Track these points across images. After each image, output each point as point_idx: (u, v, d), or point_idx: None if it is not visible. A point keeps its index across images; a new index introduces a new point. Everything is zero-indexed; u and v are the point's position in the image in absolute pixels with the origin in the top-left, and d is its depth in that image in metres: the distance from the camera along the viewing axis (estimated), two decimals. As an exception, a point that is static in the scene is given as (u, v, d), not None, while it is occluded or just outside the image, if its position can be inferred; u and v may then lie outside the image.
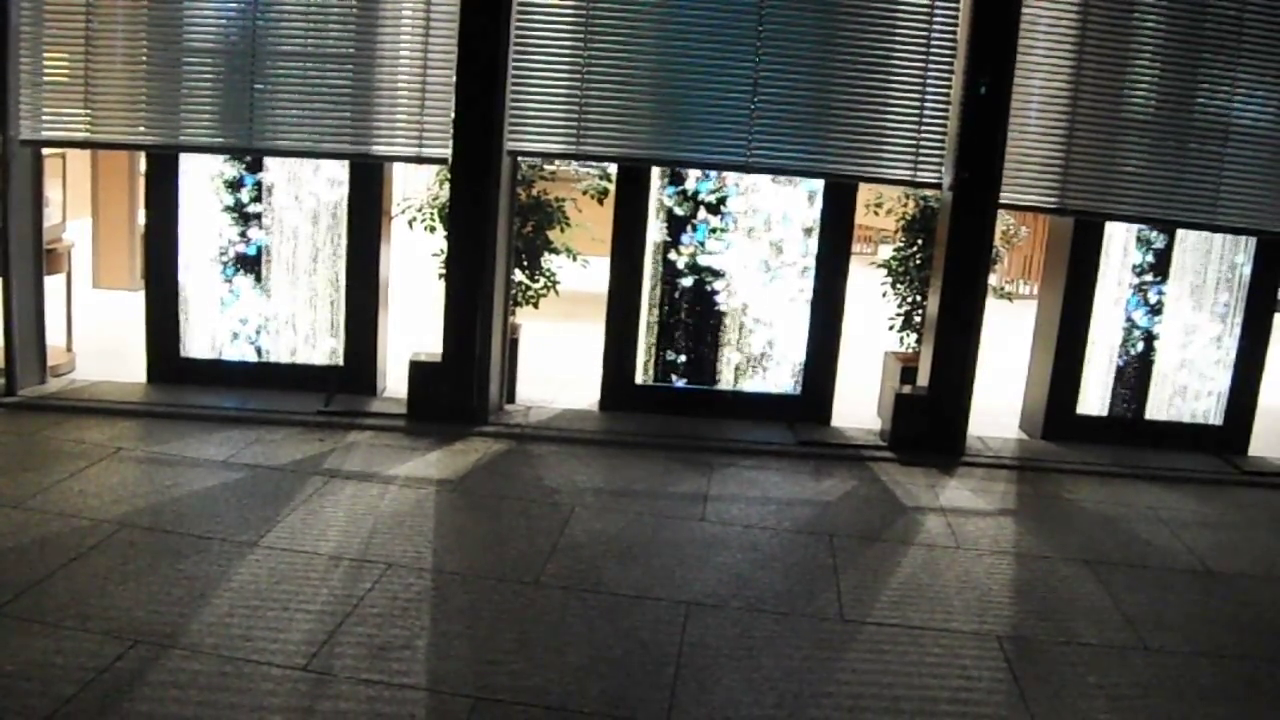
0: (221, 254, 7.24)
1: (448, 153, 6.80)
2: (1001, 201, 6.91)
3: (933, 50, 6.84)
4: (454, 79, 6.68)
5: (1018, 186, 6.96)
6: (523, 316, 7.73)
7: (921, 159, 6.96)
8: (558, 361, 8.64)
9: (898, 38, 6.85)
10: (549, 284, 7.72)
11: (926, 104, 6.90)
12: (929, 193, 7.38)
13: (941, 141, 6.91)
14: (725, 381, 7.51)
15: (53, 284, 7.32)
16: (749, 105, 6.83)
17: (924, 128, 6.92)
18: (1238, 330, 7.47)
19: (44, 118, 6.81)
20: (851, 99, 6.88)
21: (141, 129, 6.92)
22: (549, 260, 7.74)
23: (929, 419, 7.03)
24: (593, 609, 4.52)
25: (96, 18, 6.71)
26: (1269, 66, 6.96)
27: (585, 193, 7.79)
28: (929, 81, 6.87)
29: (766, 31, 6.77)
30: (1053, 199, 7.05)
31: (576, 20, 6.78)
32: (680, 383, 7.50)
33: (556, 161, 7.66)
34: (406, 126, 6.89)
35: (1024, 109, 6.89)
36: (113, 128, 6.92)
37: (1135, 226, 7.23)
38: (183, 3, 6.81)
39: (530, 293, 7.66)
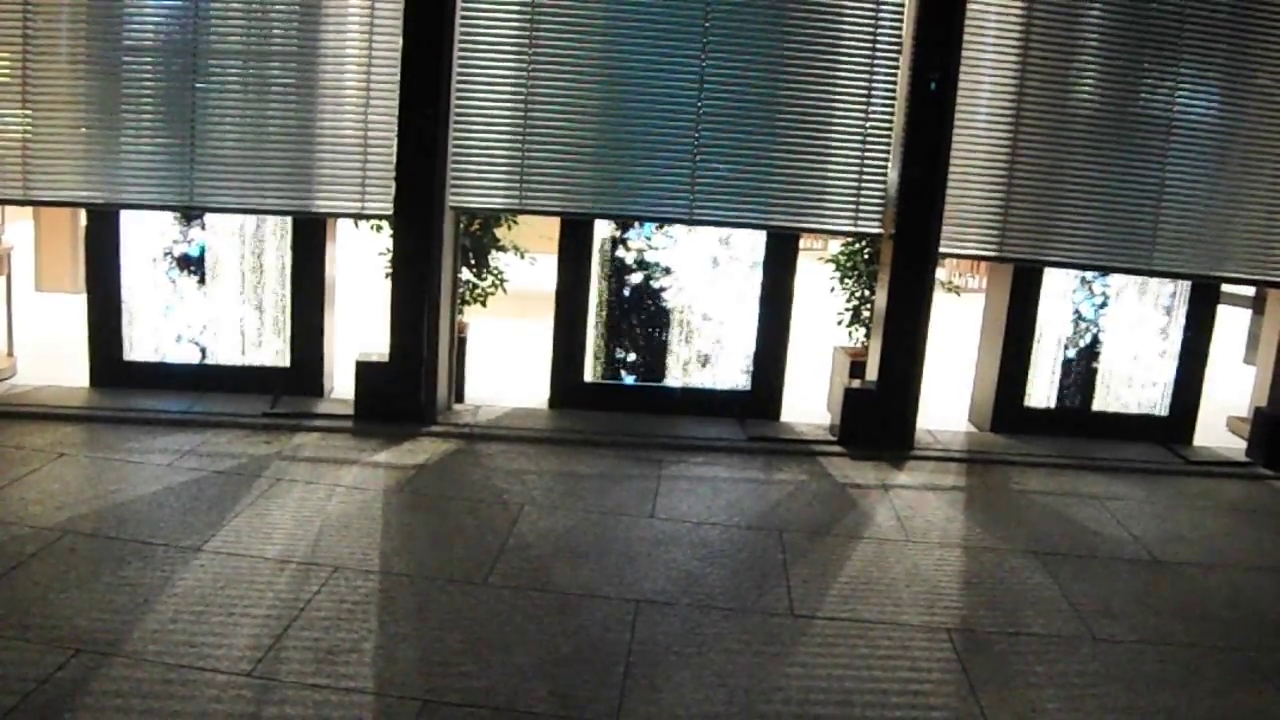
0: (165, 255, 7.16)
1: (389, 207, 6.80)
2: (942, 250, 7.02)
3: (873, 105, 6.93)
4: (395, 135, 6.69)
5: (957, 236, 7.07)
6: (471, 315, 7.68)
7: (862, 209, 7.04)
8: (506, 360, 8.61)
9: (838, 92, 6.93)
10: (497, 282, 7.69)
11: (867, 156, 6.99)
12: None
13: (882, 193, 7.01)
14: (675, 378, 7.50)
15: (-8, 287, 7.22)
16: (691, 159, 6.89)
17: (865, 179, 7.01)
18: (1182, 322, 7.56)
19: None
20: (793, 153, 6.96)
21: (82, 186, 6.85)
22: (496, 258, 7.71)
23: (878, 413, 7.06)
24: (541, 608, 4.49)
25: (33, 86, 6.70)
26: (1204, 118, 7.10)
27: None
28: (869, 135, 6.97)
29: (709, 87, 6.84)
30: (992, 248, 7.16)
31: (518, 78, 6.81)
32: (630, 379, 7.49)
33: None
34: (348, 182, 6.88)
35: (966, 158, 7.00)
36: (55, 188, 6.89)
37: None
38: (121, 88, 6.78)
39: (478, 291, 7.62)
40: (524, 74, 6.79)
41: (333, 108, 6.82)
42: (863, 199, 7.01)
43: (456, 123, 6.78)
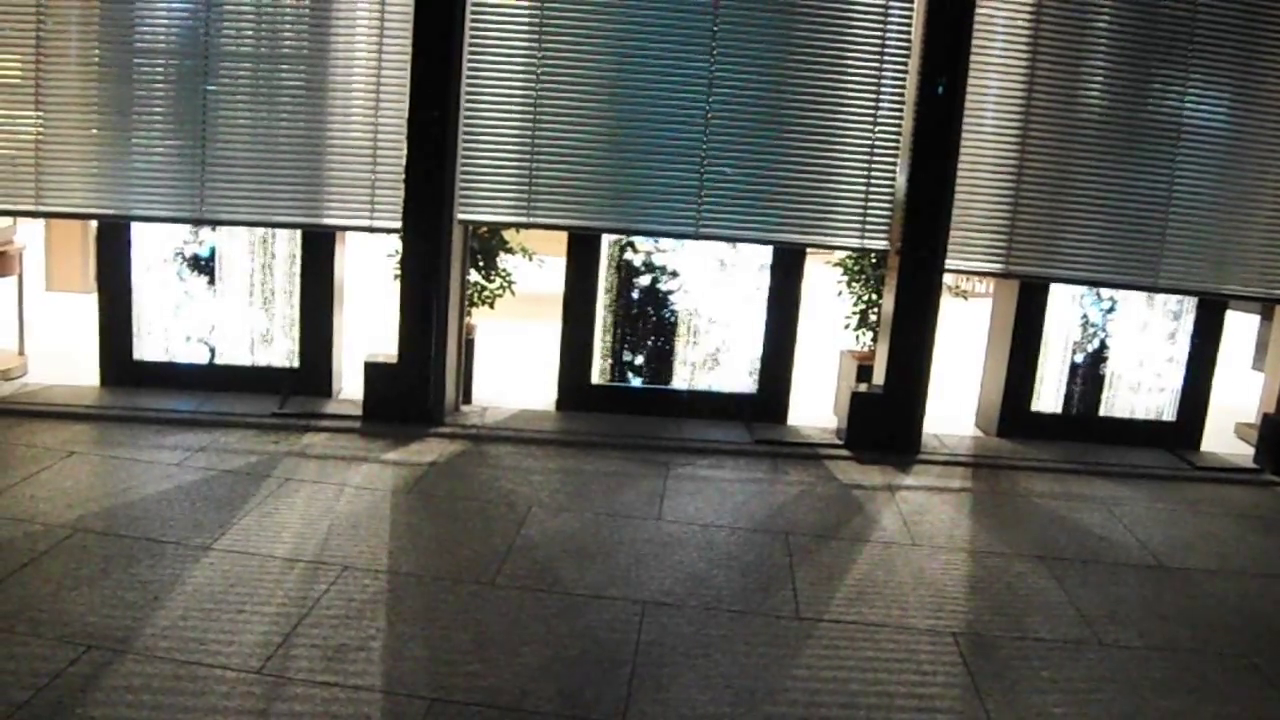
0: (175, 255, 7.19)
1: (398, 222, 6.84)
2: (948, 266, 7.02)
3: (880, 118, 6.95)
4: (404, 150, 6.73)
5: (963, 252, 7.10)
6: (478, 317, 7.70)
7: (869, 223, 7.06)
8: (514, 362, 8.62)
9: (846, 106, 6.95)
10: (505, 284, 7.70)
11: (874, 171, 7.01)
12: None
13: (889, 208, 7.02)
14: (682, 381, 7.52)
15: (4, 287, 7.24)
16: (698, 173, 6.92)
17: (871, 194, 7.03)
18: (1190, 327, 7.55)
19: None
20: (801, 167, 6.98)
21: (93, 197, 6.90)
22: (505, 260, 7.72)
23: (885, 417, 7.06)
24: (549, 609, 4.50)
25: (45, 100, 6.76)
26: (1213, 128, 7.10)
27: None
28: (876, 148, 6.99)
29: (716, 103, 6.85)
30: (998, 263, 7.18)
31: (526, 93, 6.84)
32: (637, 382, 7.50)
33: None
34: (357, 195, 6.93)
35: (972, 173, 7.03)
36: (67, 199, 6.92)
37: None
38: (133, 92, 6.82)
39: (486, 293, 7.64)
40: (532, 88, 6.81)
41: (341, 121, 6.85)
42: (869, 213, 7.01)
43: (465, 136, 6.81)
